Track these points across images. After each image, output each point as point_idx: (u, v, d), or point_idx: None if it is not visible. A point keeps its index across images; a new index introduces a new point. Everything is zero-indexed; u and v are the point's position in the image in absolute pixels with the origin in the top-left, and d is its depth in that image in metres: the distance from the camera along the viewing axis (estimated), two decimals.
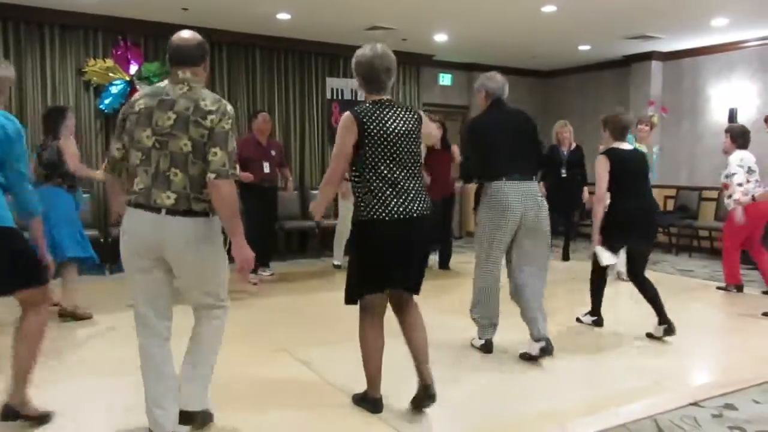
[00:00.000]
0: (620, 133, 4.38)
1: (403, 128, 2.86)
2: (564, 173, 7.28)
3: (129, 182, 2.51)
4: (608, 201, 4.36)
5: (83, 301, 4.87)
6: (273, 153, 6.46)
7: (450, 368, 3.66)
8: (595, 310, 4.61)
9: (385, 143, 2.80)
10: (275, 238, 7.31)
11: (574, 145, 7.44)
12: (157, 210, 2.42)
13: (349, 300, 2.95)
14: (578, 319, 4.70)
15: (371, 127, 2.79)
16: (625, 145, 4.38)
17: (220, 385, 3.07)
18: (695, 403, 3.20)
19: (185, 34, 2.59)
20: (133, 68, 7.12)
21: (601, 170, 4.26)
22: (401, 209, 2.81)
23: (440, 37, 8.02)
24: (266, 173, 6.30)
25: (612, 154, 4.30)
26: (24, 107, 6.58)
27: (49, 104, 6.53)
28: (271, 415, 3.03)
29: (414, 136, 2.90)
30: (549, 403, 3.19)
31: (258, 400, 3.17)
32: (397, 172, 2.82)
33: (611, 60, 9.39)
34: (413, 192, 2.86)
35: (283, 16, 6.87)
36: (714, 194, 8.22)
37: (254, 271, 6.29)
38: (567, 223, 7.64)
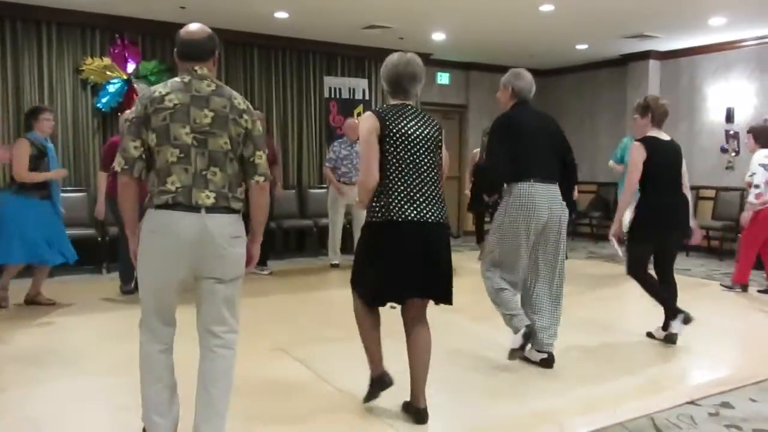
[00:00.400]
0: (661, 120, 4.19)
1: (424, 132, 2.86)
2: None
3: (157, 181, 2.36)
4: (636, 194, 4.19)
5: (79, 298, 4.87)
6: (266, 152, 6.46)
7: (447, 368, 3.66)
8: (673, 311, 4.15)
9: (404, 144, 2.80)
10: (272, 237, 7.31)
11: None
12: (197, 209, 2.33)
13: (372, 304, 2.93)
14: (669, 335, 4.18)
15: (392, 126, 2.79)
16: (664, 135, 4.20)
17: None
18: (692, 402, 3.20)
19: (194, 27, 2.50)
20: (131, 67, 7.11)
21: (636, 159, 4.05)
22: (414, 212, 2.77)
23: (438, 36, 8.02)
24: None
25: (649, 142, 4.09)
26: (21, 106, 6.54)
27: (46, 103, 6.51)
28: (268, 414, 3.03)
29: (433, 142, 2.89)
30: (546, 402, 3.19)
31: (255, 399, 3.17)
32: (414, 175, 2.80)
33: (608, 59, 9.39)
34: (429, 197, 2.83)
35: (280, 15, 6.86)
36: (711, 193, 8.24)
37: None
38: None
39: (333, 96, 8.56)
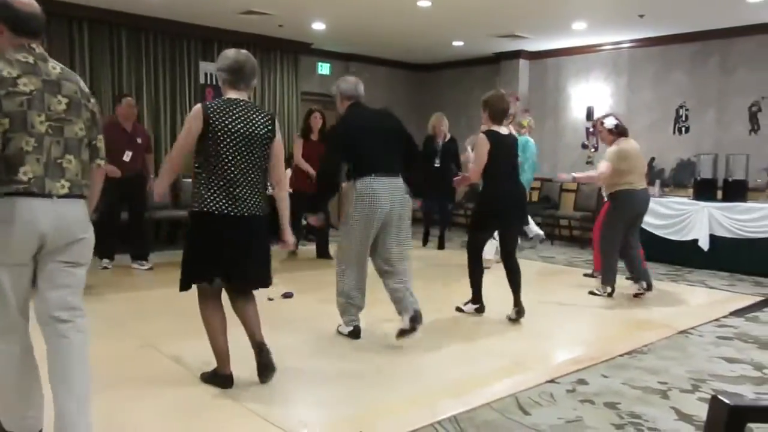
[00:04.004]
0: (500, 116, 4.52)
1: (250, 130, 3.00)
2: (438, 163, 7.56)
3: (5, 169, 2.17)
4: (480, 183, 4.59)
5: None
6: (139, 140, 6.14)
7: (320, 358, 3.68)
8: (477, 298, 4.75)
9: (227, 141, 2.94)
10: (146, 229, 6.86)
11: (448, 136, 7.73)
12: (49, 196, 2.23)
13: (182, 287, 3.08)
14: (459, 309, 4.80)
15: (216, 122, 2.94)
16: (503, 129, 4.56)
17: None
18: (552, 380, 3.43)
19: None
20: None
21: (482, 150, 4.41)
22: (230, 206, 2.95)
23: (318, 26, 7.97)
24: (127, 162, 5.95)
25: (491, 135, 4.45)
26: None
27: None
28: (134, 413, 2.88)
29: (259, 139, 3.04)
30: (418, 387, 3.28)
31: (121, 399, 3.00)
32: (234, 170, 2.97)
33: (483, 57, 9.79)
34: (247, 191, 2.99)
35: None
36: (573, 186, 8.85)
37: (109, 257, 6.13)
38: (442, 212, 7.91)
39: (209, 82, 8.26)
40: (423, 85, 10.99)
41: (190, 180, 8.09)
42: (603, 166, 5.28)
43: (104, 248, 6.01)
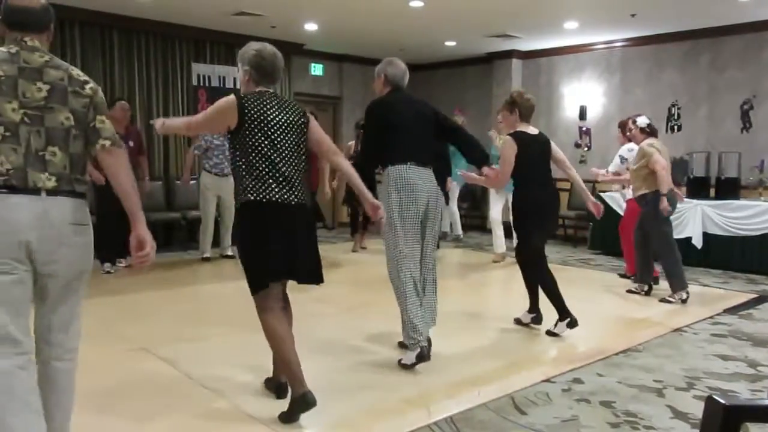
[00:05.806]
0: (527, 115, 4.31)
1: (285, 118, 2.90)
2: None
3: None
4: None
5: None
6: (131, 143, 6.12)
7: (314, 360, 3.66)
8: (563, 311, 4.22)
9: (265, 129, 2.84)
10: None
11: None
12: (36, 192, 2.06)
13: (256, 290, 2.83)
14: (551, 333, 4.25)
15: (252, 112, 2.83)
16: (532, 129, 4.31)
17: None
18: (547, 380, 3.43)
19: None
20: None
21: (509, 153, 4.12)
22: (279, 194, 2.81)
23: (310, 27, 7.96)
24: None
25: (519, 137, 4.19)
26: None
27: None
28: (130, 416, 2.86)
29: (297, 128, 2.93)
30: (415, 389, 3.27)
31: (115, 401, 2.99)
32: (278, 159, 2.85)
33: (475, 56, 9.80)
34: (292, 180, 2.87)
35: None
36: (566, 185, 8.84)
37: (111, 261, 6.02)
38: None
39: (202, 84, 8.24)
40: (416, 85, 10.93)
41: (179, 182, 8.14)
42: (661, 165, 5.10)
43: (105, 252, 5.98)
